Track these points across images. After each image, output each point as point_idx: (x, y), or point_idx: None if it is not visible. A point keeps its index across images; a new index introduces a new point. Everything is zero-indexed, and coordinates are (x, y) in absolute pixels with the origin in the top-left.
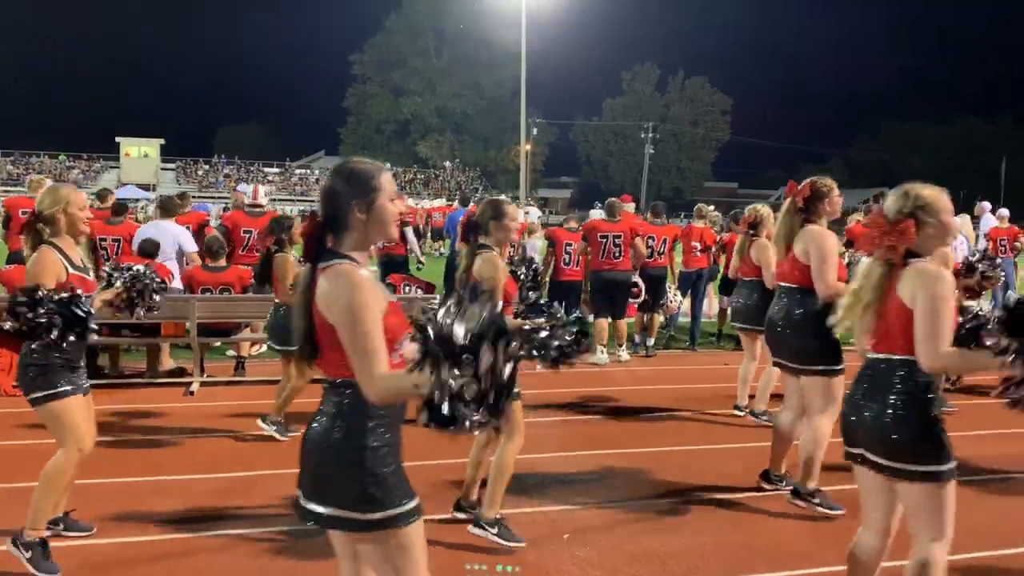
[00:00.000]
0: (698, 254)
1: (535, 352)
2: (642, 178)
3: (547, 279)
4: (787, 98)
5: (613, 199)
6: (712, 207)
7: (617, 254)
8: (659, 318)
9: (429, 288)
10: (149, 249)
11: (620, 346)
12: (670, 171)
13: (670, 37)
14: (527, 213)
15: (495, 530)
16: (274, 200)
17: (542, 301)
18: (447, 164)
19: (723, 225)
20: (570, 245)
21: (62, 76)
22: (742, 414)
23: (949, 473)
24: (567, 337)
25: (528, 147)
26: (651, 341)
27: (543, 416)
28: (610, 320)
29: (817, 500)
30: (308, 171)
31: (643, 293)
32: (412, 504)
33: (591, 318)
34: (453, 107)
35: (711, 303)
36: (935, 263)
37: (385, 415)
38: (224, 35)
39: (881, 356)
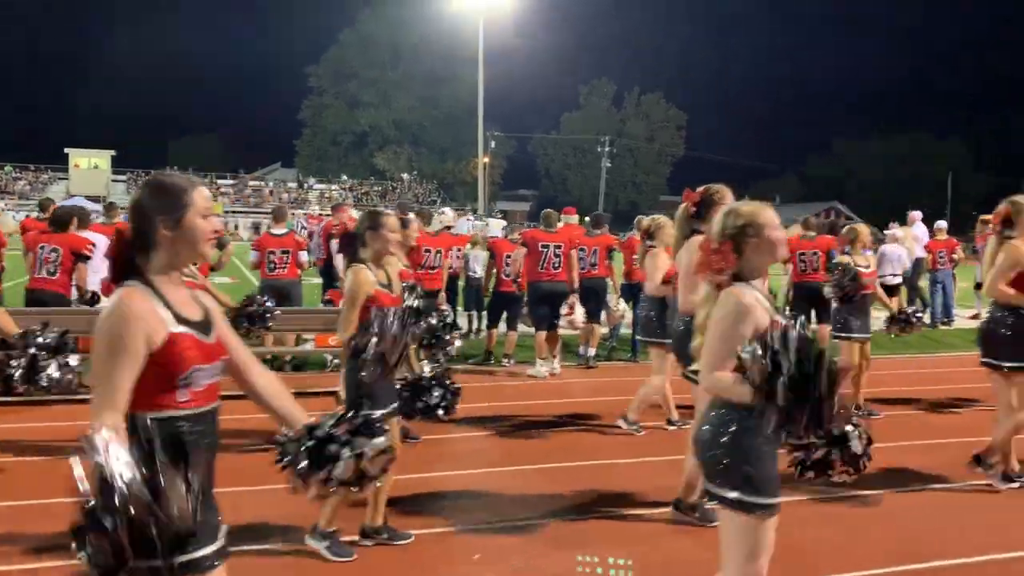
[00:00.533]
0: (637, 266)
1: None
2: (599, 191)
3: (489, 290)
4: (740, 114)
5: (549, 210)
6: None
7: (556, 264)
8: (600, 329)
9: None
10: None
11: (554, 357)
12: (627, 185)
13: (626, 54)
14: (485, 223)
15: (326, 543)
16: (228, 212)
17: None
18: (405, 176)
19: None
20: (510, 256)
21: (8, 86)
22: (674, 427)
23: (756, 507)
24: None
25: (486, 160)
26: (592, 352)
27: (468, 432)
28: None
29: (698, 513)
30: (263, 183)
31: (575, 307)
32: None
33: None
34: (410, 119)
35: None
36: (755, 284)
37: None
38: (180, 46)
39: None
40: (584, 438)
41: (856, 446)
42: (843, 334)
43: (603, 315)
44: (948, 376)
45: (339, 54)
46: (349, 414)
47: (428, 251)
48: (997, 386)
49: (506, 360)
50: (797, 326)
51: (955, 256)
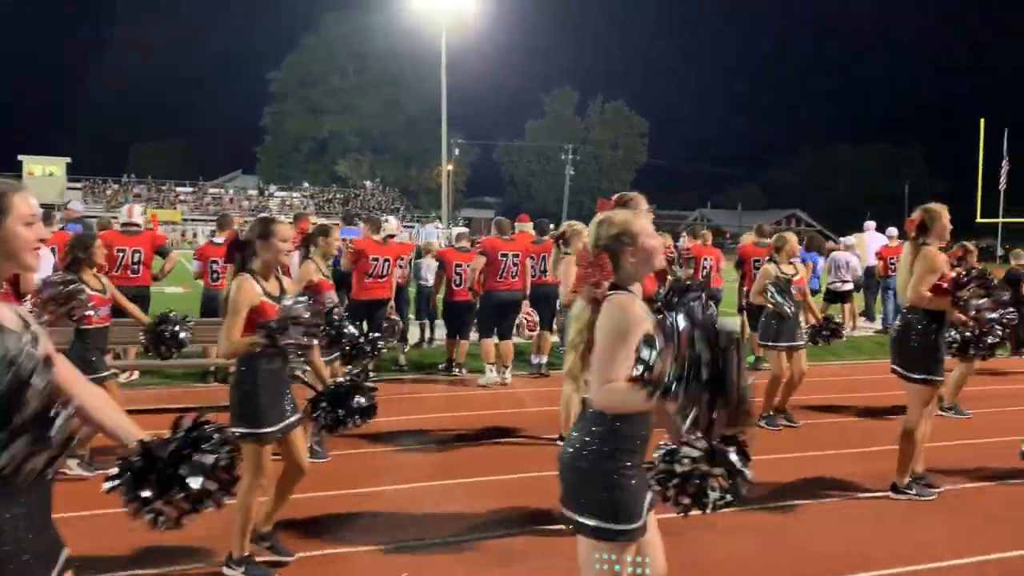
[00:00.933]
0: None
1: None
2: (563, 199)
3: (439, 300)
4: (703, 122)
5: (502, 218)
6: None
7: (514, 273)
8: (551, 337)
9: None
10: None
11: (505, 368)
12: (591, 192)
13: (589, 62)
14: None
15: (241, 569)
16: (187, 220)
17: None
18: (367, 183)
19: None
20: (460, 266)
21: None
22: None
23: (615, 533)
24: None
25: (450, 167)
26: (544, 360)
27: (407, 445)
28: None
29: None
30: (222, 191)
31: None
32: None
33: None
34: (373, 126)
35: None
36: (635, 292)
37: None
38: (140, 52)
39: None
40: (528, 450)
41: (734, 461)
42: (769, 343)
43: (555, 323)
44: (890, 382)
45: (301, 60)
46: (184, 429)
47: (376, 260)
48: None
49: (457, 369)
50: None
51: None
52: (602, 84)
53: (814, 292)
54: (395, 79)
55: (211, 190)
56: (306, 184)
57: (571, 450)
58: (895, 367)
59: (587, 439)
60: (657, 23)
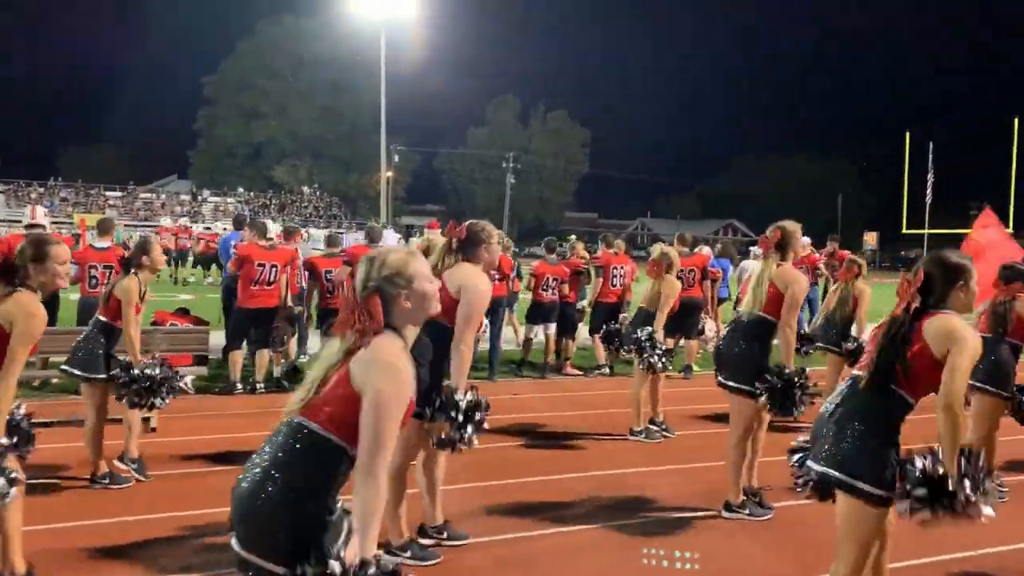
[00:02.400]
0: (496, 282)
1: None
2: (504, 207)
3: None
4: (643, 132)
5: (373, 224)
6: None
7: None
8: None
9: (199, 323)
10: None
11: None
12: (533, 201)
13: (532, 71)
14: (307, 237)
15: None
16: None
17: None
18: (305, 189)
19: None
20: (330, 272)
21: None
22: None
23: None
24: None
25: (390, 174)
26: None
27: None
28: None
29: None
30: (154, 195)
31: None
32: None
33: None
34: (311, 132)
35: (517, 331)
36: (407, 337)
37: None
38: (70, 52)
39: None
40: None
41: None
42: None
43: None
44: None
45: (236, 64)
46: None
47: (262, 265)
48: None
49: None
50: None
51: (817, 270)
52: (544, 93)
53: (723, 300)
54: (333, 85)
55: (142, 195)
56: (240, 189)
57: (265, 495)
58: (722, 381)
59: (283, 485)
60: (599, 34)
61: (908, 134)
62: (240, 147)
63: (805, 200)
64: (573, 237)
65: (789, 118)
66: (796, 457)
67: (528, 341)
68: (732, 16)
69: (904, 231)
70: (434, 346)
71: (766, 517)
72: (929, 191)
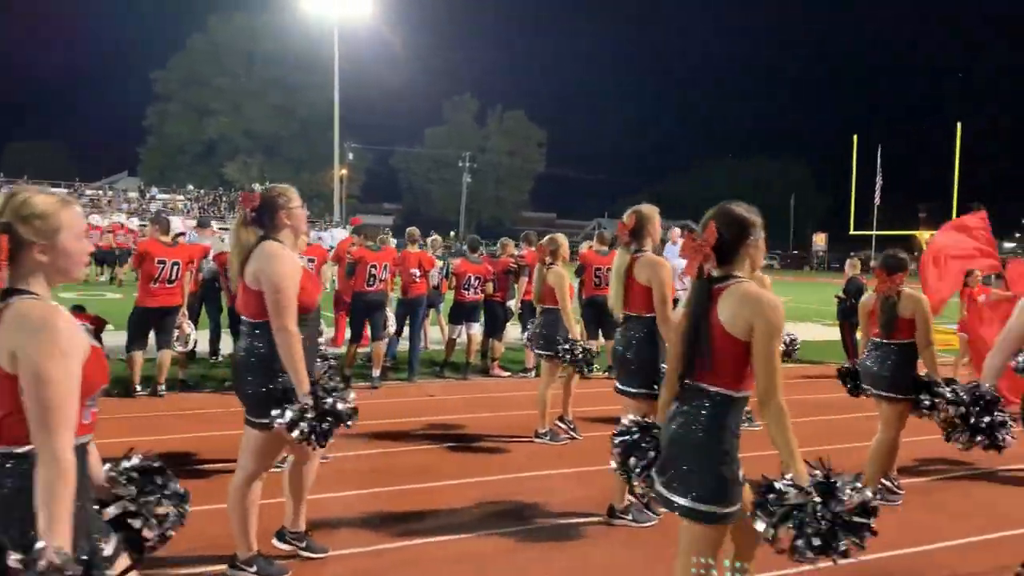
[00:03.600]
0: (417, 280)
1: None
2: (461, 206)
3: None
4: (599, 132)
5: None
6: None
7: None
8: (382, 348)
9: (96, 322)
10: None
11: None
12: (489, 201)
13: (489, 70)
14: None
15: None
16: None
17: None
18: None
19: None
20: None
21: None
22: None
23: None
24: None
25: (343, 172)
26: (376, 372)
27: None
28: None
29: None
30: (100, 192)
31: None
32: None
33: None
34: (263, 129)
35: (444, 331)
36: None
37: None
38: (14, 46)
39: None
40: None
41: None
42: (542, 351)
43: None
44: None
45: (188, 60)
46: None
47: (163, 263)
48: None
49: None
50: None
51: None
52: (502, 93)
53: None
54: (287, 81)
55: (88, 191)
56: (190, 187)
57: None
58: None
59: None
60: (557, 35)
61: (856, 137)
62: (191, 144)
63: (760, 201)
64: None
65: (745, 120)
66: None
67: (451, 342)
68: (688, 20)
69: (852, 232)
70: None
71: (650, 523)
72: (878, 193)
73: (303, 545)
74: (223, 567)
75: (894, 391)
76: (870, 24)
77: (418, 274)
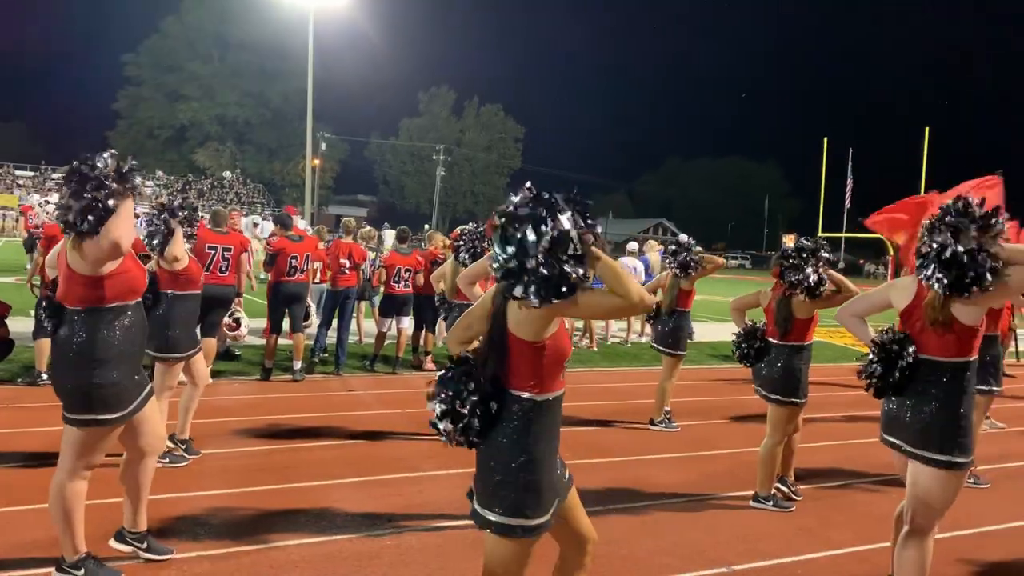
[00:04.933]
0: (347, 272)
1: None
2: (434, 199)
3: None
4: (578, 130)
5: (218, 208)
6: (355, 221)
7: (224, 268)
8: (303, 340)
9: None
10: None
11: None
12: (464, 194)
13: (466, 63)
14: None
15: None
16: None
17: None
18: (227, 174)
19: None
20: None
21: None
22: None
23: None
24: None
25: (316, 162)
26: (298, 365)
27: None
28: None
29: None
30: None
31: (239, 314)
32: None
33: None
34: (236, 116)
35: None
36: None
37: None
38: None
39: None
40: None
41: None
42: None
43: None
44: (639, 390)
45: (160, 44)
46: None
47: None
48: None
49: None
50: None
51: None
52: (479, 87)
53: None
54: (261, 68)
55: (55, 175)
56: (160, 173)
57: None
58: None
59: None
60: (537, 30)
61: (826, 140)
62: (162, 129)
63: (733, 202)
64: (427, 227)
65: (720, 122)
66: None
67: (381, 335)
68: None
69: (821, 234)
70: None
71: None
72: (848, 196)
73: (144, 546)
74: (49, 570)
75: (781, 394)
76: (842, 28)
77: (348, 265)
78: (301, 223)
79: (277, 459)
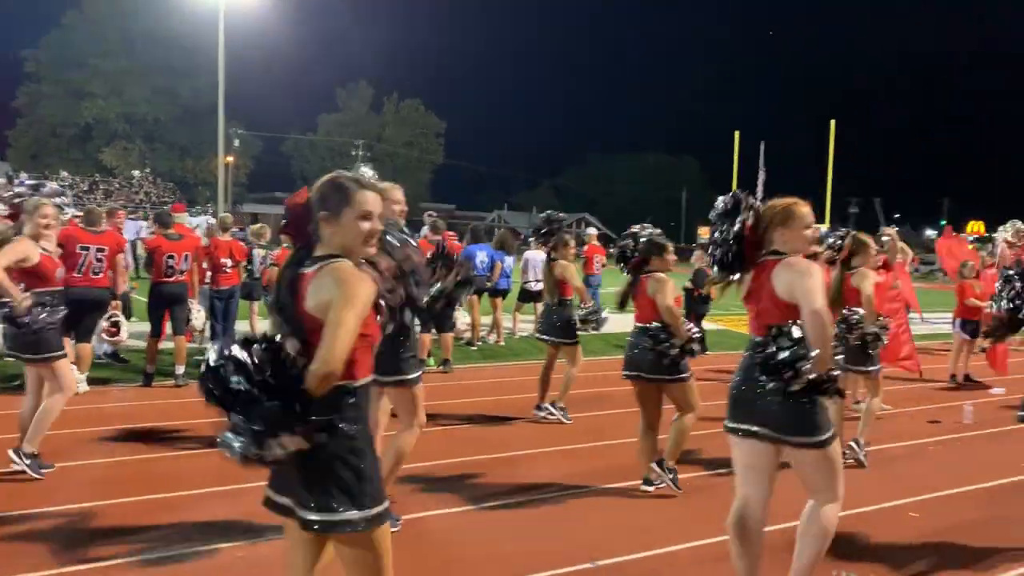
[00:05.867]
0: (228, 271)
1: None
2: None
3: None
4: (501, 125)
5: (92, 207)
6: (231, 217)
7: (98, 269)
8: (184, 342)
9: None
10: None
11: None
12: None
13: (386, 58)
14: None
15: None
16: None
17: None
18: (136, 173)
19: None
20: None
21: None
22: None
23: None
24: None
25: (229, 159)
26: (180, 370)
27: None
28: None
29: None
30: None
31: (118, 318)
32: None
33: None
34: (144, 113)
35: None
36: None
37: None
38: None
39: None
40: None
41: None
42: None
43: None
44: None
45: (62, 38)
46: None
47: None
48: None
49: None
50: None
51: (603, 262)
52: (399, 81)
53: (504, 292)
54: (170, 64)
55: None
56: (64, 173)
57: None
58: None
59: None
60: (457, 24)
61: (738, 134)
62: (66, 128)
63: (653, 196)
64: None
65: (640, 116)
66: None
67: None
68: (588, 16)
69: None
70: None
71: (394, 530)
72: (760, 189)
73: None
74: None
75: (652, 372)
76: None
77: (230, 264)
78: (195, 220)
79: (144, 468)
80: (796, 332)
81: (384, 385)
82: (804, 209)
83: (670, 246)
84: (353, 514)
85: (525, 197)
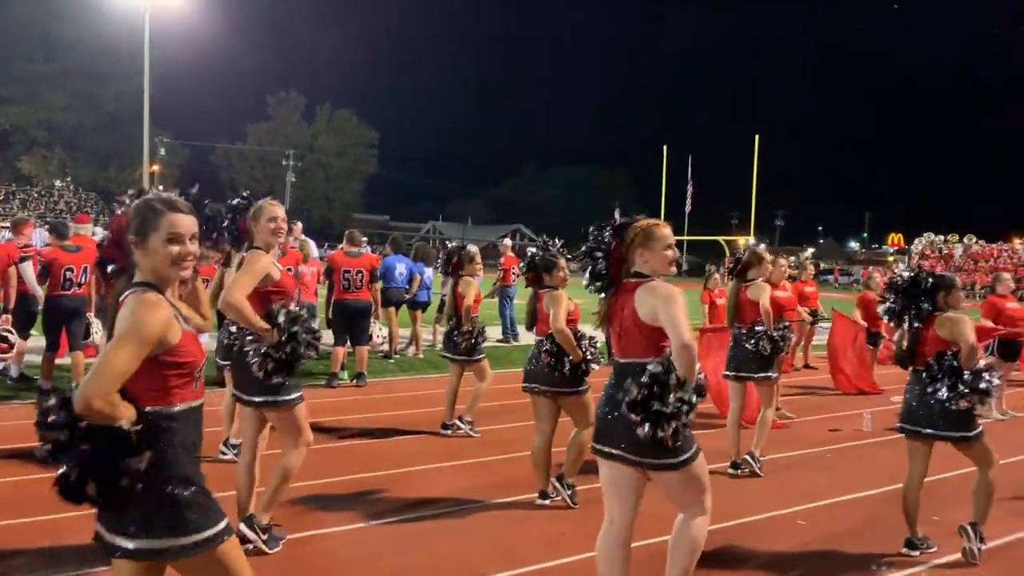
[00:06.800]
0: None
1: None
2: (286, 205)
3: None
4: (434, 136)
5: (20, 216)
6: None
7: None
8: (83, 358)
9: None
10: None
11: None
12: (319, 200)
13: (318, 68)
14: None
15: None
16: None
17: None
18: (56, 183)
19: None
20: None
21: None
22: None
23: None
24: None
25: (155, 168)
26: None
27: None
28: None
29: None
30: None
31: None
32: None
33: None
34: (64, 120)
35: None
36: None
37: None
38: None
39: None
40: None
41: None
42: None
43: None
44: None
45: None
46: None
47: None
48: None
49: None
50: None
51: (514, 270)
52: (331, 92)
53: (424, 304)
54: (91, 69)
55: None
56: None
57: None
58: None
59: None
60: (390, 36)
61: (665, 148)
62: None
63: (584, 207)
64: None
65: (572, 129)
66: None
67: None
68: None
69: None
70: None
71: (275, 550)
72: (688, 201)
73: None
74: None
75: (549, 384)
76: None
77: None
78: (101, 232)
79: (32, 490)
80: (653, 368)
81: (259, 407)
82: (665, 231)
83: (561, 262)
84: (180, 541)
85: (460, 208)
